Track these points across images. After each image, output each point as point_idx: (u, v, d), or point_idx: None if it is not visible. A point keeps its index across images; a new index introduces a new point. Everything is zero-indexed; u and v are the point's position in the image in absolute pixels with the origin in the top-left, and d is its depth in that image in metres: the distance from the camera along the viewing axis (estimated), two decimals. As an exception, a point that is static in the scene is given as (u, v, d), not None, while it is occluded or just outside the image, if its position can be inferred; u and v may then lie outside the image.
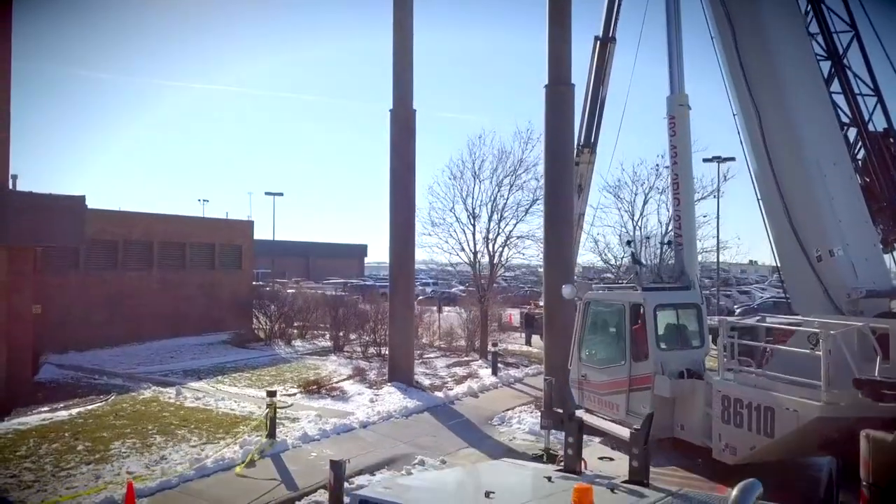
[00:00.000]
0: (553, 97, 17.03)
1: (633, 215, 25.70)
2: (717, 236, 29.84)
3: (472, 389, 18.82)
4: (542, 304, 22.07)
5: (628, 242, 9.69)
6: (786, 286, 9.29)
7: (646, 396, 8.60)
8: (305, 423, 14.86)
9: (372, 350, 24.95)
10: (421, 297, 52.67)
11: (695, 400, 8.21)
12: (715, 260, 33.92)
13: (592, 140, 25.69)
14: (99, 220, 26.97)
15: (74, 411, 15.73)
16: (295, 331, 29.66)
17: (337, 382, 19.46)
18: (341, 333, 26.99)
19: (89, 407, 16.15)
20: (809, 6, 9.47)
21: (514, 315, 35.00)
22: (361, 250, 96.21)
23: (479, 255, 24.41)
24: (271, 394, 13.64)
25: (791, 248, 8.66)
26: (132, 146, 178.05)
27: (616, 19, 23.52)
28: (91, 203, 19.30)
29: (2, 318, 16.74)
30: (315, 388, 18.39)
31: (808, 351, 6.78)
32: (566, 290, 10.78)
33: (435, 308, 38.32)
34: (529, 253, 25.12)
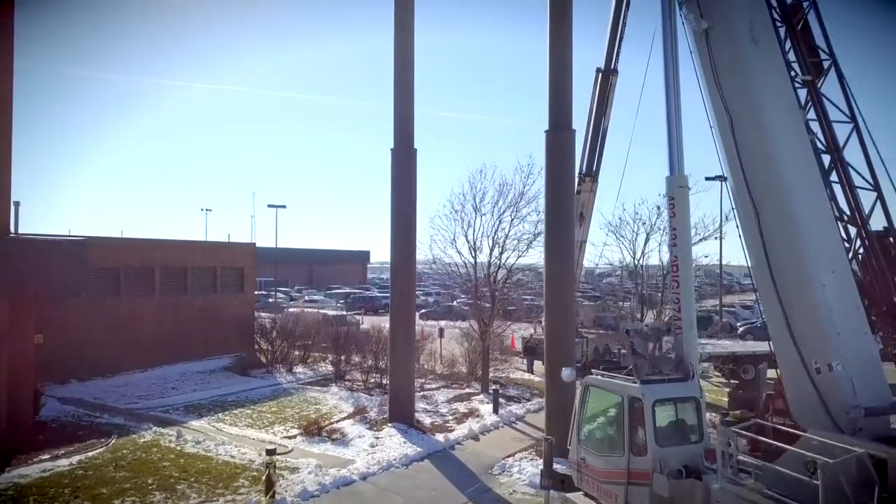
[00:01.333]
0: (553, 142, 16.96)
1: (635, 254, 25.93)
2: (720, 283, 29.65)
3: (473, 431, 18.78)
4: (542, 324, 21.98)
5: (627, 332, 9.58)
6: (786, 390, 9.23)
7: (644, 492, 8.57)
8: (305, 473, 14.86)
9: (374, 378, 24.97)
10: (423, 311, 52.77)
11: (693, 502, 8.17)
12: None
13: (594, 169, 25.78)
14: (101, 247, 27.09)
15: (75, 459, 15.75)
16: (297, 352, 29.69)
17: (338, 421, 19.45)
18: (343, 359, 27.02)
19: (90, 454, 16.16)
20: (809, 99, 9.42)
21: (515, 335, 34.90)
22: (364, 256, 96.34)
23: (480, 290, 24.34)
24: (270, 452, 13.61)
25: (791, 357, 8.62)
26: (133, 146, 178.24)
27: (618, 52, 23.53)
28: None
29: (3, 355, 16.74)
30: (315, 429, 18.38)
31: (805, 478, 6.73)
32: (565, 374, 10.76)
33: (436, 322, 38.44)
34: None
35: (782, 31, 9.46)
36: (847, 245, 9.29)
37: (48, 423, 19.06)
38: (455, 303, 55.24)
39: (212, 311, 30.47)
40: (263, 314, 50.29)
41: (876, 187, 9.49)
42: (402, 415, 19.15)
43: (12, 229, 18.63)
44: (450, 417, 20.31)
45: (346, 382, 25.22)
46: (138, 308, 27.61)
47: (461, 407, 21.52)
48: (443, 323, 37.26)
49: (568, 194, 17.24)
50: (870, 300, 9.10)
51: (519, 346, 32.91)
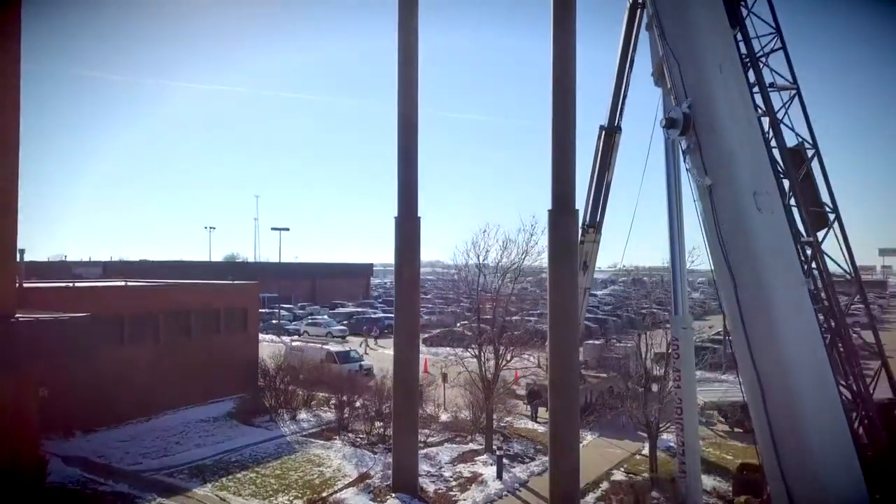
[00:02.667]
0: (556, 223, 16.95)
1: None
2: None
3: (477, 502, 18.80)
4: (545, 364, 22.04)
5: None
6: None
7: None
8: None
9: (377, 427, 24.98)
10: (425, 336, 52.65)
11: None
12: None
13: (597, 220, 25.73)
14: (105, 295, 27.19)
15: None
16: (300, 392, 29.72)
17: (341, 490, 19.48)
18: (346, 409, 27.04)
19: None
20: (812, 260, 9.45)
21: (520, 370, 34.74)
22: (367, 269, 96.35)
23: (483, 353, 24.39)
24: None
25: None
26: (133, 148, 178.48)
27: (621, 110, 23.45)
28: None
29: (6, 423, 16.73)
30: (319, 501, 18.41)
31: None
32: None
33: (437, 350, 38.35)
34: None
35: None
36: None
37: (52, 488, 19.10)
38: (458, 326, 55.17)
39: (215, 353, 30.53)
40: (266, 338, 50.53)
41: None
42: (405, 485, 19.17)
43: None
44: (454, 483, 20.32)
45: (350, 434, 25.22)
46: (142, 354, 27.66)
47: (464, 470, 21.53)
48: (444, 352, 36.74)
49: (571, 274, 17.22)
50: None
51: (523, 382, 32.85)
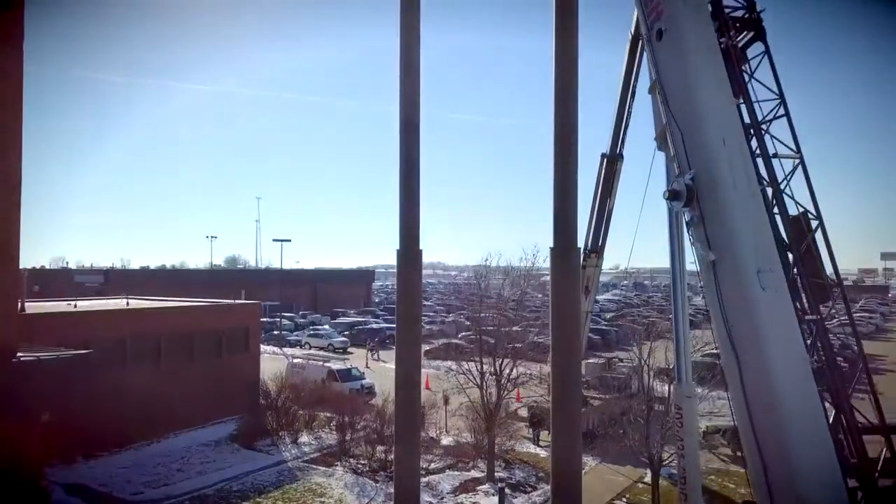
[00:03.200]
0: (558, 262, 16.88)
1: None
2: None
3: (479, 538, 18.80)
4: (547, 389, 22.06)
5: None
6: None
7: None
8: None
9: (379, 452, 24.95)
10: (426, 348, 52.51)
11: None
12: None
13: (599, 245, 25.71)
14: (108, 319, 27.22)
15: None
16: (302, 412, 29.72)
17: (343, 523, 19.49)
18: (347, 431, 27.06)
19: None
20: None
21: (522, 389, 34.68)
22: (368, 276, 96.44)
23: (486, 384, 24.40)
24: None
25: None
26: (133, 149, 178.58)
27: (623, 139, 23.38)
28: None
29: (9, 456, 16.74)
30: (321, 537, 18.41)
31: None
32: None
33: (438, 364, 38.24)
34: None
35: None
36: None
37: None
38: (460, 336, 55.12)
39: (217, 374, 30.53)
40: (268, 350, 50.50)
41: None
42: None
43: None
44: (455, 516, 20.33)
45: (351, 460, 25.20)
46: (144, 377, 27.63)
47: (466, 501, 21.53)
48: (446, 366, 36.31)
49: (574, 313, 17.13)
50: None
51: (524, 393, 32.79)
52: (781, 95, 9.82)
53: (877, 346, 60.25)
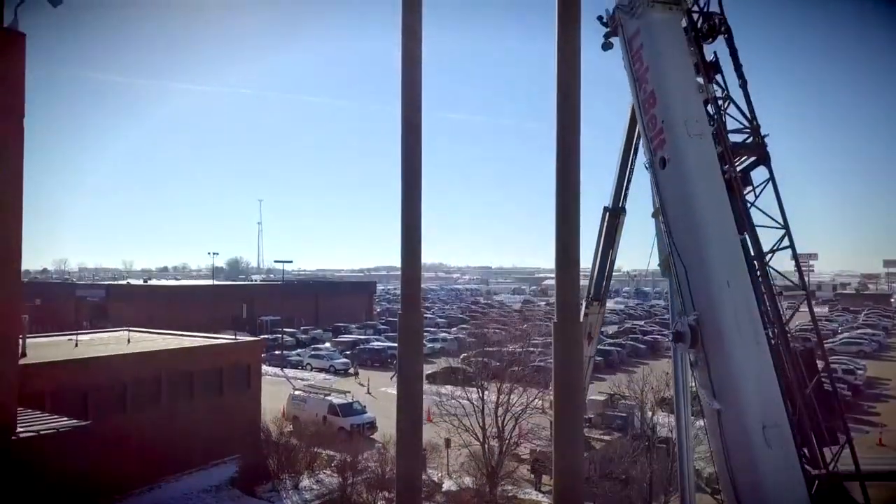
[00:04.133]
0: (563, 334, 16.77)
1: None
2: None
3: None
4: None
5: None
6: None
7: None
8: None
9: (381, 498, 24.88)
10: (428, 370, 52.28)
11: None
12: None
13: (601, 293, 25.61)
14: (108, 365, 27.18)
15: None
16: (303, 451, 29.64)
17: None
18: (348, 472, 27.00)
19: None
20: None
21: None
22: (370, 287, 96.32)
23: (488, 435, 24.33)
24: None
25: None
26: (134, 151, 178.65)
27: (626, 193, 23.30)
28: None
29: None
30: None
31: None
32: None
33: (439, 391, 38.14)
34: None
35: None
36: None
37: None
38: (462, 358, 54.79)
39: (218, 413, 30.43)
40: (269, 372, 50.41)
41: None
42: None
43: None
44: (456, 578, 20.23)
45: (353, 506, 25.14)
46: (145, 419, 27.59)
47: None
48: (447, 391, 35.71)
49: (577, 385, 16.99)
50: None
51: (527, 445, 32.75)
52: (786, 225, 9.70)
53: (880, 368, 58.90)
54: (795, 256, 9.70)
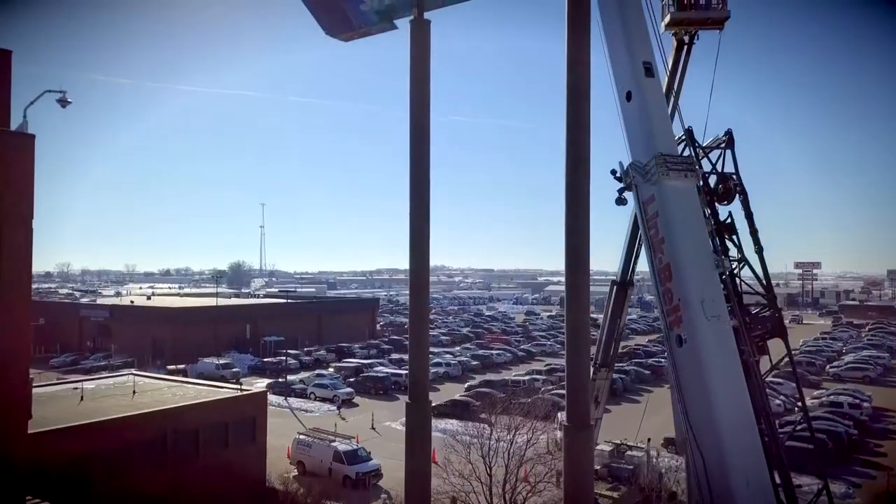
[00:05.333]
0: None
1: None
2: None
3: None
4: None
5: None
6: None
7: None
8: None
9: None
10: (434, 404, 51.85)
11: None
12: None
13: (608, 360, 25.56)
14: (117, 428, 27.16)
15: None
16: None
17: None
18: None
19: None
20: None
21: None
22: (373, 304, 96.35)
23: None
24: None
25: None
26: (134, 152, 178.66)
27: (634, 268, 23.31)
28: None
29: None
30: None
31: None
32: None
33: (446, 428, 38.06)
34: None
35: None
36: None
37: None
38: (466, 388, 54.74)
39: (223, 468, 30.32)
40: (273, 402, 50.32)
41: None
42: None
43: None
44: None
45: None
46: (150, 480, 27.49)
47: None
48: (452, 428, 35.42)
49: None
50: None
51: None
52: (790, 356, 9.65)
53: (886, 396, 57.24)
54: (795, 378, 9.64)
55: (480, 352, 72.76)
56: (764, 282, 9.99)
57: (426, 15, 21.51)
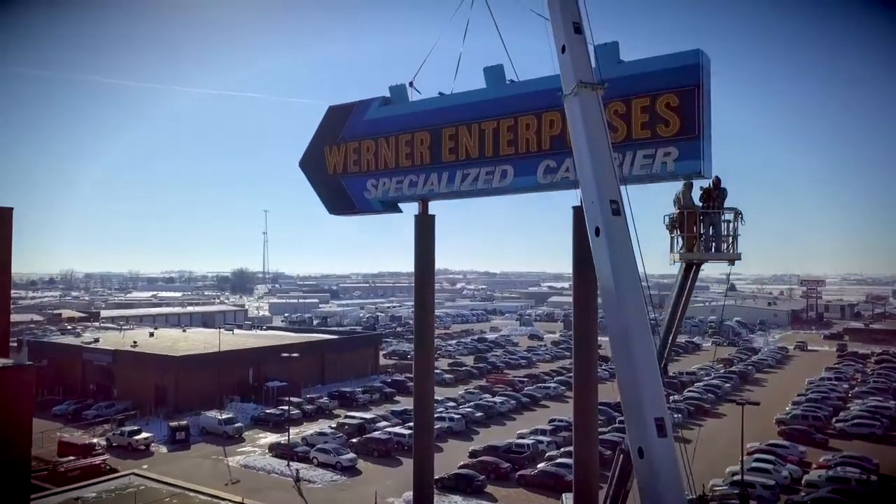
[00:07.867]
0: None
1: None
2: None
3: None
4: None
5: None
6: None
7: None
8: None
9: None
10: (437, 426, 50.77)
11: None
12: None
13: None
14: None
15: None
16: None
17: None
18: None
19: None
20: None
21: None
22: (375, 339, 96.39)
23: None
24: None
25: None
26: (135, 153, 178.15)
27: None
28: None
29: None
30: None
31: None
32: None
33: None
34: None
35: None
36: None
37: None
38: (469, 454, 54.25)
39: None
40: (276, 467, 50.00)
41: None
42: None
43: None
44: None
45: None
46: None
47: None
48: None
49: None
50: None
51: None
52: None
53: (892, 457, 55.60)
54: None
55: (483, 400, 72.56)
56: None
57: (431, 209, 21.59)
